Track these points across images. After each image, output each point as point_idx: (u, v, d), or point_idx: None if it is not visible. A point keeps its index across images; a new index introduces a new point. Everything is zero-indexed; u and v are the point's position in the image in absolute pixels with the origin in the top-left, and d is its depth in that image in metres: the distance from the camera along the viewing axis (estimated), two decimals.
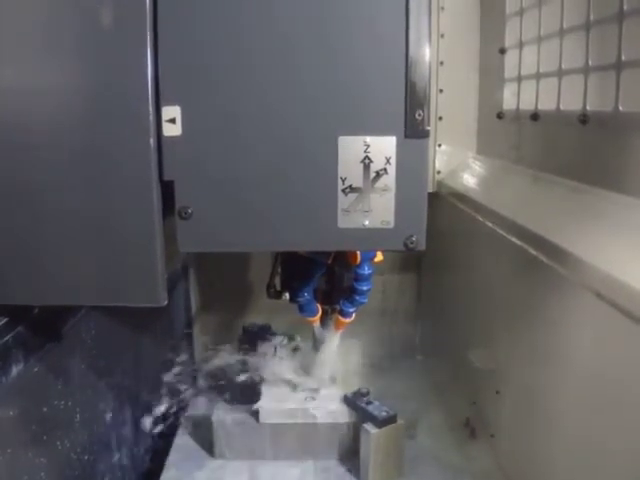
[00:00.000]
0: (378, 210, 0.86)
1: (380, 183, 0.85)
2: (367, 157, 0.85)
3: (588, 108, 1.20)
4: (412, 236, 0.87)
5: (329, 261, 1.36)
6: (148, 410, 1.54)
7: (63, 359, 1.08)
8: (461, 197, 1.73)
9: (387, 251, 1.32)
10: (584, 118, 1.19)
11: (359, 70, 0.83)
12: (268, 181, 0.86)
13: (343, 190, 0.85)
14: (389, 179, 0.85)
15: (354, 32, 0.83)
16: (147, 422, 1.53)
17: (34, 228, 0.86)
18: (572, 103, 1.26)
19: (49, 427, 1.02)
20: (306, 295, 1.43)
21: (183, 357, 2.00)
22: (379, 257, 1.37)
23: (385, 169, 0.85)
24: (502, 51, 1.68)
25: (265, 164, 0.85)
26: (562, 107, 1.32)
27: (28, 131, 0.83)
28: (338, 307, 1.46)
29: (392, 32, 0.82)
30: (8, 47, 0.82)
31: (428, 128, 0.85)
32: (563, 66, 1.31)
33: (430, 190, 1.95)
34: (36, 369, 0.98)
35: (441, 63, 1.91)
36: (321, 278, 1.45)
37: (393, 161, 0.85)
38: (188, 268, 2.11)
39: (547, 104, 1.39)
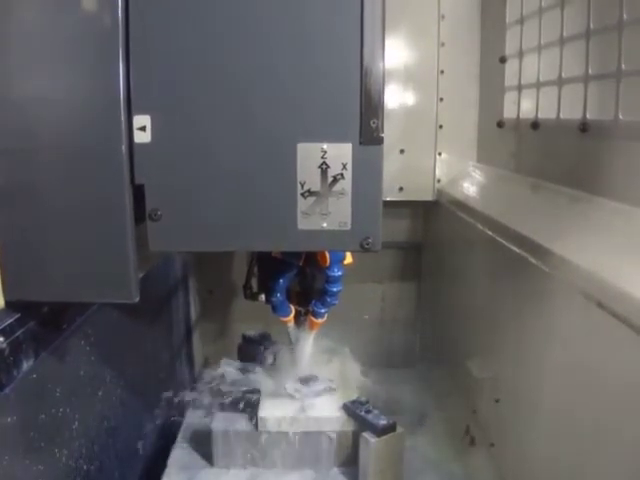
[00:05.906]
0: (336, 213, 0.91)
1: (337, 187, 0.90)
2: (324, 163, 0.89)
3: (588, 117, 1.20)
4: (368, 238, 0.92)
5: (300, 263, 1.41)
6: (147, 419, 1.53)
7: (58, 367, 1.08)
8: (461, 205, 1.73)
9: (347, 251, 1.37)
10: (584, 127, 1.20)
11: (316, 81, 0.88)
12: (232, 185, 0.90)
13: (302, 194, 0.90)
14: (346, 184, 0.90)
15: (312, 46, 0.88)
16: (145, 431, 1.52)
17: (19, 230, 0.90)
18: (572, 112, 1.27)
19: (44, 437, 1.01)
20: (278, 296, 1.47)
21: (182, 365, 2.00)
22: (349, 259, 1.41)
23: (342, 174, 0.90)
24: (502, 60, 1.68)
25: (229, 170, 0.90)
26: (562, 116, 1.32)
27: (5, 136, 0.87)
28: (311, 308, 1.50)
29: (348, 45, 0.87)
30: None
31: (382, 135, 0.89)
32: (563, 75, 1.32)
33: (430, 198, 1.96)
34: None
35: (441, 72, 1.92)
36: (294, 280, 1.49)
37: (349, 167, 0.90)
38: (188, 277, 2.11)
39: (547, 113, 1.39)
